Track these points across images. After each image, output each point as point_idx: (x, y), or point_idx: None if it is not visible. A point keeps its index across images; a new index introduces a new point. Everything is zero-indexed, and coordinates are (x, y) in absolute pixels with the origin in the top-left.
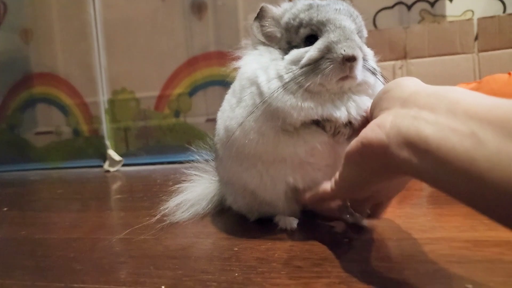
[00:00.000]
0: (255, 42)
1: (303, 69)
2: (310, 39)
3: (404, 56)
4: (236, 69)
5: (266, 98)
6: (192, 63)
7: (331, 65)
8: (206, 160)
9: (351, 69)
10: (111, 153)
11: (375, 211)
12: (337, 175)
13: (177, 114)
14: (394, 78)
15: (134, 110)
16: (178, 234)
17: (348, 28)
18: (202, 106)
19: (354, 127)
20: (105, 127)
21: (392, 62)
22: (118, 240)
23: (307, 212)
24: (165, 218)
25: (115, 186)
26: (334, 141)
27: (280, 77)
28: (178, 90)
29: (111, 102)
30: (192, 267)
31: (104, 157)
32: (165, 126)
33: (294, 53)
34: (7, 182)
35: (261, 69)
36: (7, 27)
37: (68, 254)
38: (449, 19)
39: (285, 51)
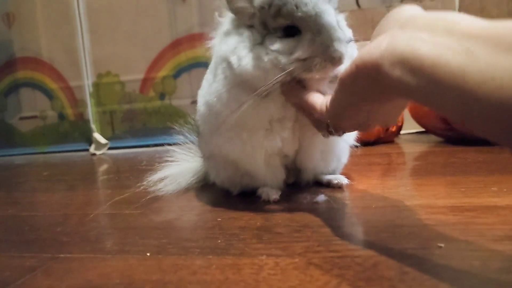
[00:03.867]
0: (226, 21)
1: (290, 63)
2: (292, 30)
3: None
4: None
5: (236, 70)
6: (176, 45)
7: (323, 64)
8: (190, 141)
9: (339, 64)
10: (97, 136)
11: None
12: (327, 99)
13: (162, 96)
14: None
15: (119, 94)
16: (163, 208)
17: (333, 26)
18: (187, 88)
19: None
20: (90, 111)
21: None
22: (104, 214)
23: (289, 186)
24: (149, 193)
25: (101, 168)
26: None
27: (257, 58)
28: (163, 72)
29: (96, 85)
30: (177, 236)
31: (90, 140)
32: (150, 109)
33: (278, 45)
34: None
35: (229, 50)
36: None
37: (55, 228)
38: None
39: (260, 33)
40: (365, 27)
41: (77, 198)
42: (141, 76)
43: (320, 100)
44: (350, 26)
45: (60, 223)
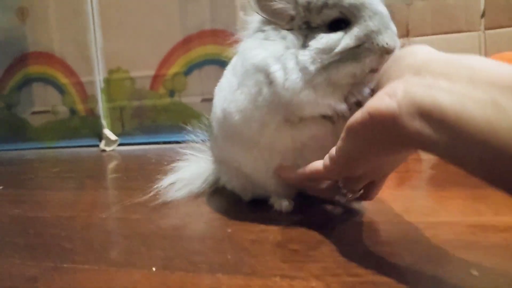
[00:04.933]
0: (257, 20)
1: (335, 57)
2: (338, 23)
3: (407, 34)
4: (235, 53)
5: (281, 90)
6: (187, 41)
7: (370, 55)
8: (202, 140)
9: (393, 52)
10: (107, 132)
11: (369, 191)
12: (333, 150)
13: (172, 93)
14: None
15: (129, 90)
16: (171, 214)
17: (385, 14)
18: (197, 85)
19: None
20: (101, 107)
21: None
22: (110, 219)
23: (303, 194)
24: (158, 197)
25: (110, 165)
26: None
27: (303, 69)
28: (173, 69)
29: (107, 81)
30: (184, 247)
31: (100, 136)
32: (160, 106)
33: (324, 40)
34: (4, 161)
35: (272, 58)
36: (3, 6)
37: (60, 232)
38: None
39: (303, 33)
40: None
41: (84, 198)
42: (151, 72)
43: (319, 161)
44: None
45: (65, 226)
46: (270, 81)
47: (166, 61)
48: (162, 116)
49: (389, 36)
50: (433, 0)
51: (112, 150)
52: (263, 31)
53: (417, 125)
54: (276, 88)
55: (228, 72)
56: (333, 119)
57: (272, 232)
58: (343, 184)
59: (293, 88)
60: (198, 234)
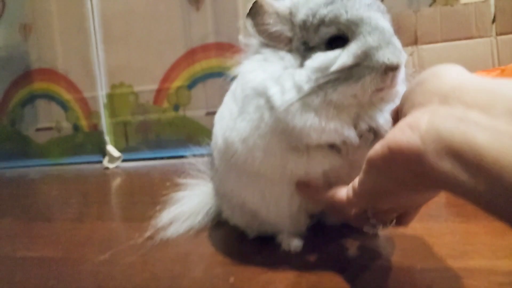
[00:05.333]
0: (256, 43)
1: (331, 77)
2: (335, 41)
3: (415, 42)
4: (235, 76)
5: (280, 114)
6: (191, 55)
7: (372, 74)
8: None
9: (393, 78)
10: (110, 149)
11: (401, 219)
12: (355, 181)
13: (176, 107)
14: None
15: (133, 104)
16: (169, 256)
17: (387, 29)
18: (201, 99)
19: (380, 135)
20: (104, 122)
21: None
22: (102, 262)
23: (313, 230)
24: (157, 234)
25: (112, 186)
26: (350, 158)
27: (299, 88)
28: (177, 83)
29: (110, 96)
30: None
31: (103, 152)
32: (165, 120)
33: (320, 58)
34: (7, 180)
35: (271, 79)
36: (6, 22)
37: (47, 282)
38: (463, 0)
39: (301, 54)
40: None
41: (79, 231)
42: (155, 86)
43: (343, 191)
44: None
45: (53, 272)
46: (270, 105)
47: (169, 75)
48: (167, 130)
49: (390, 52)
50: (441, 7)
51: (116, 167)
52: (261, 53)
53: (447, 166)
54: (276, 112)
55: (227, 98)
56: (342, 151)
57: (280, 283)
58: (372, 215)
59: (290, 109)
60: (197, 285)
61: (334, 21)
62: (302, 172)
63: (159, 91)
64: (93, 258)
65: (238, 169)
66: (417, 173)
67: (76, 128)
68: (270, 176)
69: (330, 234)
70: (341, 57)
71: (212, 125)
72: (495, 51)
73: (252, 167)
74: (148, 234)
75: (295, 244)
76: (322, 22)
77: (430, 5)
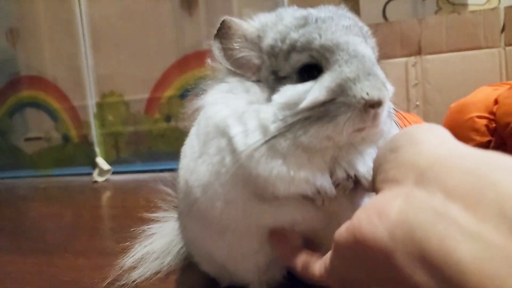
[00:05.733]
0: (223, 69)
1: (302, 115)
2: (308, 70)
3: (419, 52)
4: (197, 109)
5: (242, 160)
6: (183, 63)
7: (348, 113)
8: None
9: (375, 117)
10: (100, 161)
11: None
12: (327, 259)
13: (168, 118)
14: (406, 77)
15: (123, 115)
16: None
17: (367, 57)
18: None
19: (362, 185)
20: (94, 133)
21: (405, 59)
22: None
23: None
24: (120, 277)
25: (95, 206)
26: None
27: (264, 130)
28: (169, 92)
29: (100, 106)
30: None
31: (94, 164)
32: (156, 132)
33: (288, 93)
34: None
35: (233, 117)
36: None
37: None
38: (470, 8)
39: (269, 85)
40: (392, 42)
41: (46, 270)
42: (146, 95)
43: (318, 263)
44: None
45: None
46: (232, 148)
47: (161, 84)
48: (158, 142)
49: (370, 85)
50: (447, 15)
51: (105, 180)
52: (227, 82)
53: (421, 278)
54: (238, 157)
55: (192, 131)
56: (317, 201)
57: None
58: None
59: (254, 154)
60: None
61: (306, 46)
62: (268, 225)
63: (150, 101)
64: None
65: (200, 218)
66: (386, 271)
67: (65, 138)
68: (234, 228)
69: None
70: (312, 92)
71: None
72: (503, 63)
73: (212, 217)
74: (111, 277)
75: None
76: (293, 48)
77: (436, 13)
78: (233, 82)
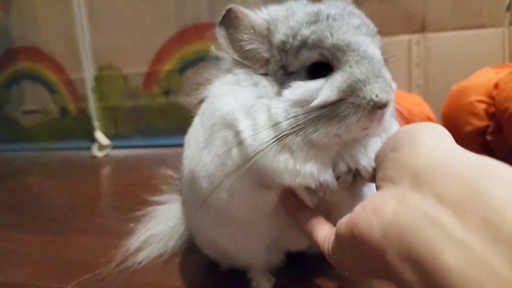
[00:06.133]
0: (229, 59)
1: (313, 114)
2: (318, 67)
3: (423, 29)
4: (203, 99)
5: (250, 153)
6: (182, 36)
7: (358, 113)
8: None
9: (381, 117)
10: (99, 136)
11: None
12: (330, 240)
13: (166, 93)
14: (409, 56)
15: (122, 89)
16: None
17: (376, 59)
18: (193, 85)
19: (363, 177)
20: (93, 107)
21: (408, 37)
22: None
23: (291, 263)
24: (126, 260)
25: (96, 183)
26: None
27: (276, 125)
28: (168, 66)
29: (98, 79)
30: None
31: (92, 138)
32: (155, 107)
33: (300, 90)
34: None
35: (242, 110)
36: None
37: None
38: None
39: (278, 79)
40: (395, 19)
41: (48, 253)
42: (144, 69)
43: (325, 231)
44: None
45: None
46: (239, 140)
47: (159, 57)
48: (158, 118)
49: (379, 87)
50: None
51: (105, 155)
52: (234, 74)
53: (410, 277)
54: (245, 149)
55: (196, 121)
56: (318, 192)
57: None
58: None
59: (263, 149)
60: None
61: (317, 44)
62: (271, 209)
63: (148, 75)
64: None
65: (205, 207)
66: (380, 266)
67: (63, 111)
68: (239, 217)
69: (306, 271)
70: (324, 91)
71: None
72: (506, 43)
73: (217, 207)
74: (117, 259)
75: (265, 285)
76: (303, 44)
77: None
78: (241, 74)
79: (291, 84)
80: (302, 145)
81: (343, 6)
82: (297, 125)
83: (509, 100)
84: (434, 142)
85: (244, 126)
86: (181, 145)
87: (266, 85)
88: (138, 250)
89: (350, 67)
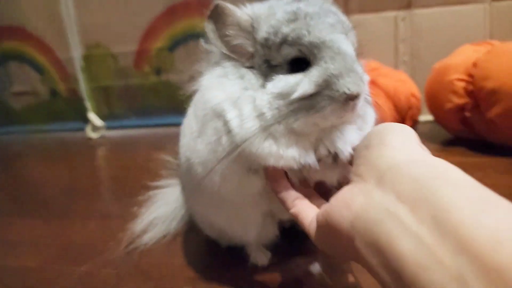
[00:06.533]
0: (217, 52)
1: (293, 105)
2: (298, 62)
3: (409, 5)
4: (195, 91)
5: (237, 140)
6: (171, 12)
7: (332, 104)
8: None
9: (353, 107)
10: (92, 117)
11: None
12: (318, 215)
13: (158, 72)
14: (395, 32)
15: (112, 68)
16: (142, 269)
17: (349, 55)
18: (185, 63)
19: (341, 161)
20: (83, 87)
21: (394, 13)
22: (79, 277)
23: (285, 238)
24: (132, 242)
25: (95, 165)
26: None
27: (260, 115)
28: (157, 44)
29: (86, 58)
30: None
31: (85, 119)
32: (147, 86)
33: (281, 84)
34: None
35: (229, 102)
36: None
37: None
38: None
39: (263, 72)
40: None
41: (59, 238)
42: (133, 48)
43: (310, 216)
44: None
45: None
46: (228, 129)
47: (148, 35)
48: (150, 97)
49: (352, 81)
50: None
51: (100, 136)
52: (223, 67)
53: (373, 260)
54: (233, 138)
55: (190, 111)
56: (303, 172)
57: None
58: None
59: (249, 137)
60: None
61: (296, 42)
62: (258, 188)
63: (138, 53)
64: (70, 272)
65: (201, 191)
66: (350, 250)
67: (53, 93)
68: (231, 199)
69: (298, 247)
70: (302, 84)
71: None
72: (487, 20)
73: (211, 190)
74: (124, 242)
75: (262, 259)
76: (284, 41)
77: None
78: (229, 67)
79: (274, 77)
80: (284, 132)
81: (320, 4)
82: (280, 115)
83: (486, 79)
84: (399, 145)
85: (232, 116)
86: (175, 124)
87: (252, 77)
88: (143, 232)
89: (325, 62)
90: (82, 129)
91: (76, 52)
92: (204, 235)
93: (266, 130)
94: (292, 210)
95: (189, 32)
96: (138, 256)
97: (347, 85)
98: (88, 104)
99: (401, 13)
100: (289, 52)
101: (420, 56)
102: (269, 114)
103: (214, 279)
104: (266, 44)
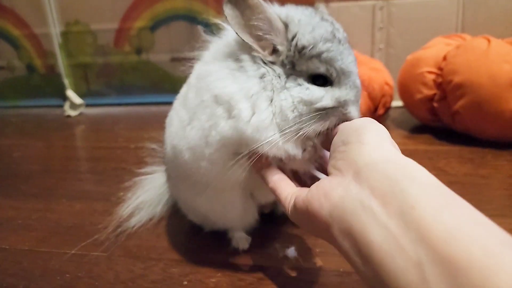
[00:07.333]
0: (233, 43)
1: (313, 113)
2: (319, 77)
3: None
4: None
5: (243, 126)
6: None
7: (335, 118)
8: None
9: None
10: (71, 94)
11: None
12: (295, 194)
13: (138, 51)
14: (373, 21)
15: (91, 46)
16: (131, 251)
17: (359, 88)
18: (165, 43)
19: (319, 150)
20: (61, 64)
21: (373, 2)
22: (69, 259)
23: (264, 222)
24: (120, 225)
25: (75, 145)
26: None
27: (281, 114)
28: (138, 23)
29: (65, 35)
30: None
31: (64, 96)
32: (127, 65)
33: (309, 92)
34: None
35: (242, 94)
36: None
37: (19, 284)
38: None
39: (285, 71)
40: None
41: (47, 219)
42: (114, 26)
43: (287, 191)
44: None
45: (24, 270)
46: (231, 115)
47: (130, 14)
48: (130, 75)
49: (356, 110)
50: None
51: (79, 114)
52: (238, 59)
53: (346, 246)
54: (238, 123)
55: (177, 103)
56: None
57: (228, 280)
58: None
59: (259, 126)
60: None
61: (328, 62)
62: (239, 173)
63: (119, 32)
64: (61, 254)
65: (187, 178)
66: (326, 236)
67: (30, 68)
68: (215, 184)
69: (276, 232)
70: (325, 98)
71: (177, 72)
72: (460, 12)
73: (197, 177)
74: (112, 224)
75: (243, 243)
76: (317, 56)
77: None
78: (246, 61)
79: (298, 81)
80: (291, 133)
81: (342, 31)
82: (300, 121)
83: (454, 73)
84: (375, 144)
85: (243, 106)
86: (155, 103)
87: (273, 78)
88: (131, 215)
89: (345, 89)
90: (60, 106)
91: (54, 29)
92: (188, 220)
93: (284, 130)
94: (271, 185)
95: (171, 12)
96: (126, 239)
97: (353, 111)
98: (66, 81)
99: (380, 3)
100: (318, 67)
101: (395, 44)
102: (291, 116)
103: (199, 261)
104: (300, 50)
